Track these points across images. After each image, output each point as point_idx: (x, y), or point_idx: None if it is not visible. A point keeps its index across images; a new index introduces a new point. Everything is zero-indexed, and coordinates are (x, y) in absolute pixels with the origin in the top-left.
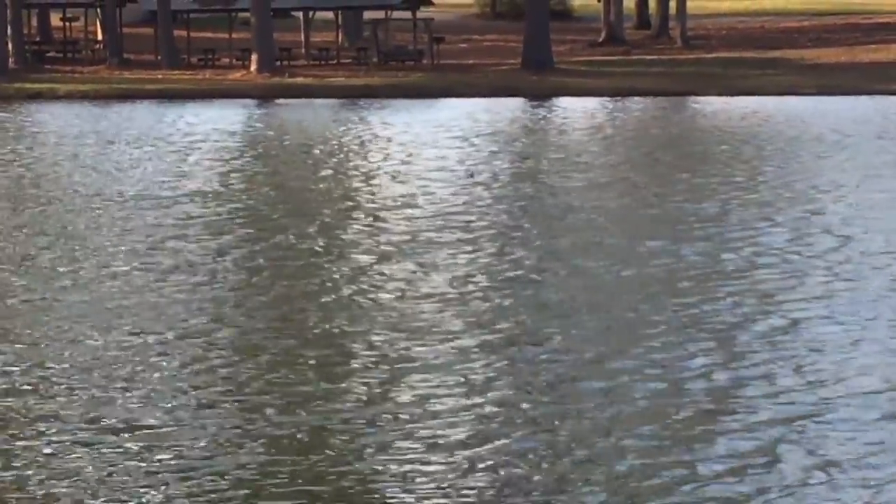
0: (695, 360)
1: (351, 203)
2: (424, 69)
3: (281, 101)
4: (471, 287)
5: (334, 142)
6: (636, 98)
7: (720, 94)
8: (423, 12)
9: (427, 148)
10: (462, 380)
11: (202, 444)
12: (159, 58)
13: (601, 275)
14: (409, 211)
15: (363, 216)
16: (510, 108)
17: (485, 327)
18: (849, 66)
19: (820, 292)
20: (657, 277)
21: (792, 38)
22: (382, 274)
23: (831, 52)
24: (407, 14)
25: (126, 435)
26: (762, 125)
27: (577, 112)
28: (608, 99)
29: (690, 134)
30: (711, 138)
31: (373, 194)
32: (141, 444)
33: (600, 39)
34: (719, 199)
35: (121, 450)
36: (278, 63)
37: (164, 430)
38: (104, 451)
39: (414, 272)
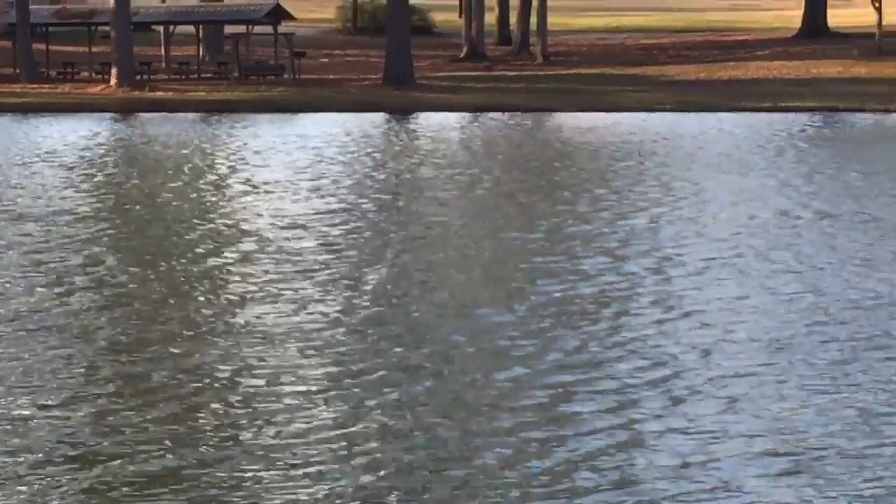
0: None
1: (202, 216)
2: (286, 84)
3: (141, 115)
4: (300, 292)
5: (191, 155)
6: (496, 113)
7: (580, 111)
8: (285, 27)
9: (283, 162)
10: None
11: None
12: (18, 71)
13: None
14: (259, 222)
15: (213, 229)
16: (371, 123)
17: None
18: (707, 82)
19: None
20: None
21: (651, 55)
22: (230, 279)
23: (690, 68)
24: (268, 29)
25: None
26: (614, 140)
27: (437, 127)
28: (469, 114)
29: (542, 149)
30: (559, 154)
31: (226, 208)
32: None
33: (461, 55)
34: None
35: None
36: (138, 77)
37: None
38: None
39: (258, 282)
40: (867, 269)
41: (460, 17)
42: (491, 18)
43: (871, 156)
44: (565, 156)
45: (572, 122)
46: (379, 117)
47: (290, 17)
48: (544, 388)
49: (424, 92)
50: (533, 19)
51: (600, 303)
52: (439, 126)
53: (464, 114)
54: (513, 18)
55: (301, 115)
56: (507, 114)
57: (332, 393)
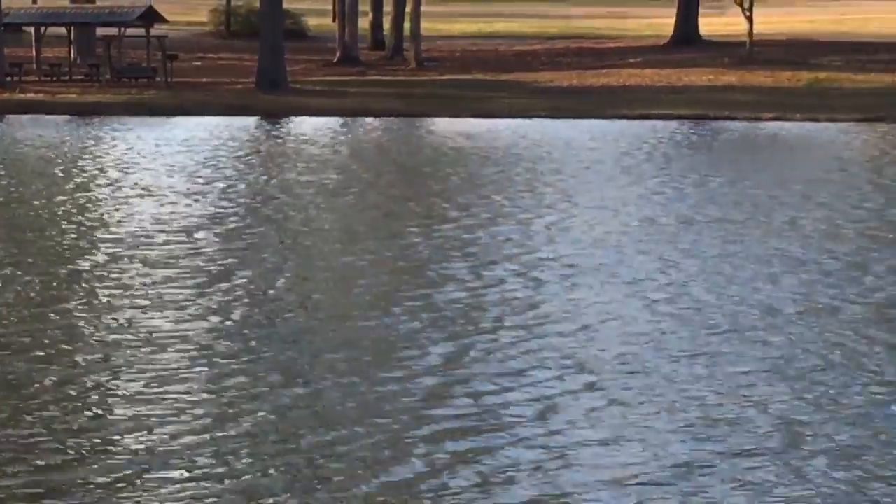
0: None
1: (66, 218)
2: (158, 87)
3: (10, 116)
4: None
5: (60, 158)
6: (370, 119)
7: (453, 116)
8: (157, 30)
9: (153, 165)
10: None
11: None
12: None
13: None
14: (128, 226)
15: (79, 231)
16: (242, 127)
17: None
18: (580, 89)
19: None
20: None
21: (525, 62)
22: (101, 283)
23: (563, 75)
24: (141, 31)
25: None
26: (486, 146)
27: (309, 132)
28: (342, 119)
29: (414, 154)
30: (430, 159)
31: (95, 211)
32: None
33: (335, 59)
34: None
35: None
36: (9, 79)
37: None
38: None
39: (123, 280)
40: (726, 273)
41: (334, 21)
42: (365, 23)
43: (740, 163)
44: (437, 161)
45: (445, 127)
46: (251, 121)
47: (162, 19)
48: (415, 393)
49: (297, 96)
50: (407, 24)
51: (472, 308)
52: (311, 130)
53: (337, 118)
54: (386, 23)
55: (173, 119)
56: (380, 119)
57: (207, 396)
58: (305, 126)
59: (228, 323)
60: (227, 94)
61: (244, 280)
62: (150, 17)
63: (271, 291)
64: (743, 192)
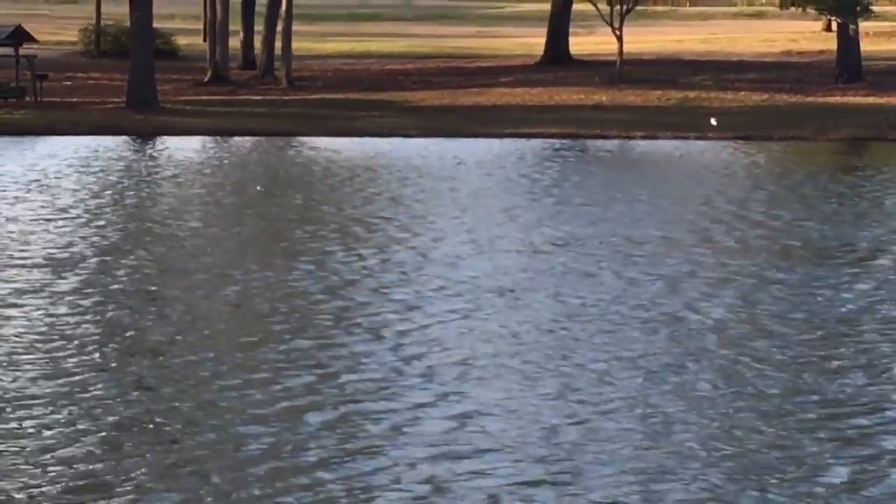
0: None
1: None
2: (27, 106)
3: None
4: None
5: None
6: (241, 138)
7: (325, 135)
8: (26, 49)
9: (19, 184)
10: None
11: None
12: None
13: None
14: None
15: None
16: (112, 147)
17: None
18: (451, 108)
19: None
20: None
21: (397, 81)
22: None
23: (434, 94)
24: (9, 51)
25: None
26: (355, 165)
27: (179, 151)
28: (213, 138)
29: (284, 173)
30: (299, 178)
31: None
32: None
33: (206, 79)
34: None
35: None
36: None
37: None
38: None
39: None
40: (586, 288)
41: (205, 40)
42: (236, 42)
43: (610, 181)
44: (305, 180)
45: (316, 146)
46: (121, 141)
47: (31, 39)
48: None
49: (168, 115)
50: (278, 44)
51: (335, 319)
52: (182, 150)
53: (207, 138)
54: (258, 43)
55: (42, 139)
56: (251, 138)
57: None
58: (176, 145)
59: (83, 340)
60: (97, 114)
61: (104, 298)
62: (19, 36)
63: (139, 303)
64: (615, 210)
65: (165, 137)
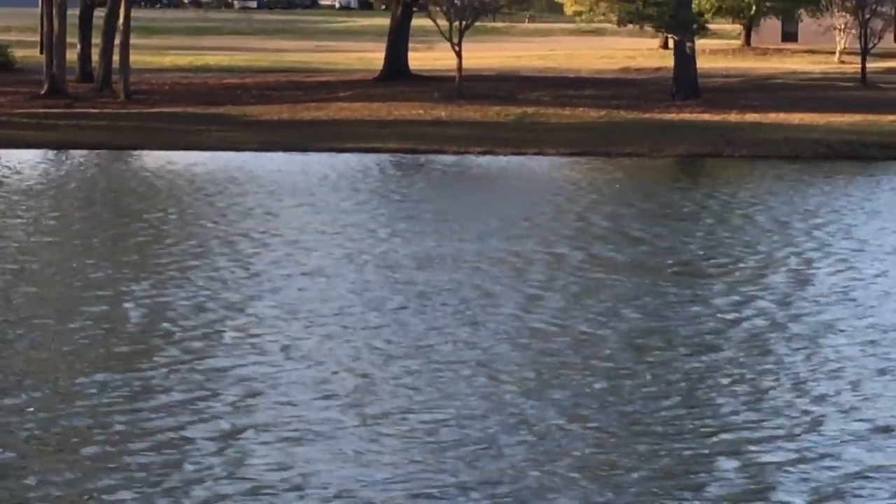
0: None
1: None
2: None
3: None
4: None
5: None
6: (78, 151)
7: (163, 149)
8: None
9: None
10: None
11: None
12: None
13: None
14: None
15: None
16: None
17: None
18: (290, 122)
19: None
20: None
21: (235, 95)
22: None
23: (273, 108)
24: None
25: None
26: (192, 179)
27: (14, 164)
28: (51, 152)
29: (119, 187)
30: (133, 191)
31: None
32: None
33: (42, 92)
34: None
35: None
36: None
37: None
38: None
39: None
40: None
41: (41, 52)
42: (73, 55)
43: (447, 196)
44: (137, 193)
45: (154, 160)
46: None
47: None
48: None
49: (4, 129)
50: (116, 57)
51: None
52: (17, 163)
53: (44, 151)
54: (95, 55)
55: None
56: (88, 151)
57: None
58: (11, 159)
59: None
60: None
61: None
62: None
63: None
64: (448, 227)
65: (1, 151)
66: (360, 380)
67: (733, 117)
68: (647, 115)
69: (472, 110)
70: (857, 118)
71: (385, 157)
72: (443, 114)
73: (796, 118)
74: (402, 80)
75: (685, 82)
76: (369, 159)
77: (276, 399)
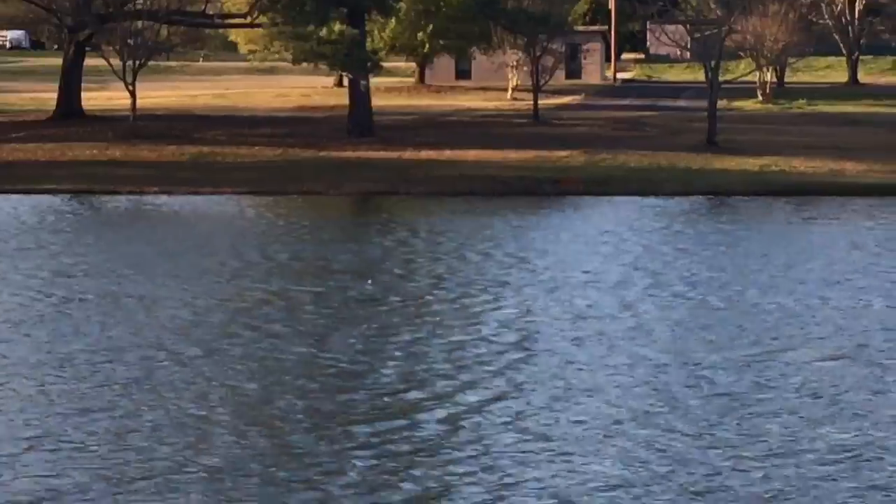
0: None
1: None
2: None
3: None
4: None
5: None
6: None
7: None
8: None
9: None
10: None
11: None
12: None
13: None
14: None
15: None
16: None
17: None
18: None
19: None
20: None
21: None
22: None
23: None
24: None
25: None
26: None
27: None
28: None
29: None
30: None
31: None
32: None
33: None
34: None
35: None
36: None
37: None
38: None
39: None
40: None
41: None
42: None
43: (120, 236)
44: None
45: None
46: None
47: None
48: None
49: None
50: None
51: None
52: None
53: None
54: None
55: None
56: None
57: None
58: None
59: None
60: None
61: None
62: None
63: None
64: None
65: None
66: None
67: (409, 154)
68: (323, 153)
69: (148, 150)
70: (530, 154)
71: (58, 198)
72: (117, 154)
73: (471, 155)
74: (75, 121)
75: (360, 120)
76: (42, 201)
77: None
